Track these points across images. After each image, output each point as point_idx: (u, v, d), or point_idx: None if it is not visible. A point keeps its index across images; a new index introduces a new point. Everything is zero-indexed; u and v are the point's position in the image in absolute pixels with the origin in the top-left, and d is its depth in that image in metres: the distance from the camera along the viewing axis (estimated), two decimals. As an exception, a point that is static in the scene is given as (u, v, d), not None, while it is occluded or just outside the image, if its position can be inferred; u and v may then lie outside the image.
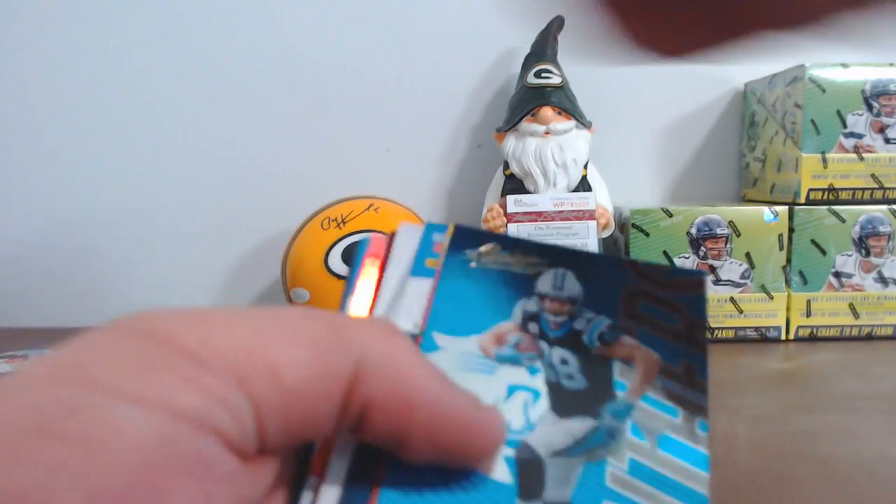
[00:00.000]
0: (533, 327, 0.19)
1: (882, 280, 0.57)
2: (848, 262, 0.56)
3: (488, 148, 0.71)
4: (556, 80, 0.61)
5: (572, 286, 0.20)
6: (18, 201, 0.71)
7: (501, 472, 0.16)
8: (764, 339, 0.57)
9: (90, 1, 0.68)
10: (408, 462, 0.16)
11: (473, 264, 0.20)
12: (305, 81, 0.70)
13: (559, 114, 0.59)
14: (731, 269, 0.56)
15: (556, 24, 0.63)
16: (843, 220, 0.56)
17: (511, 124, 0.61)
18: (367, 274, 0.20)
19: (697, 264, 0.56)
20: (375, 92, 0.70)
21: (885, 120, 0.57)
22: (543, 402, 0.18)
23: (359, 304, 0.20)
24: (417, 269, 0.20)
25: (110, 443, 0.12)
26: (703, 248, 0.56)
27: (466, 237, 0.21)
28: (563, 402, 0.18)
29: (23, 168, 0.71)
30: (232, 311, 0.15)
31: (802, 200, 0.57)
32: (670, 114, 0.72)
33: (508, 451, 0.17)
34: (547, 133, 0.59)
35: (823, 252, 0.56)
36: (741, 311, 0.57)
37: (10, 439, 0.11)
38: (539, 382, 0.18)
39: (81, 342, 0.13)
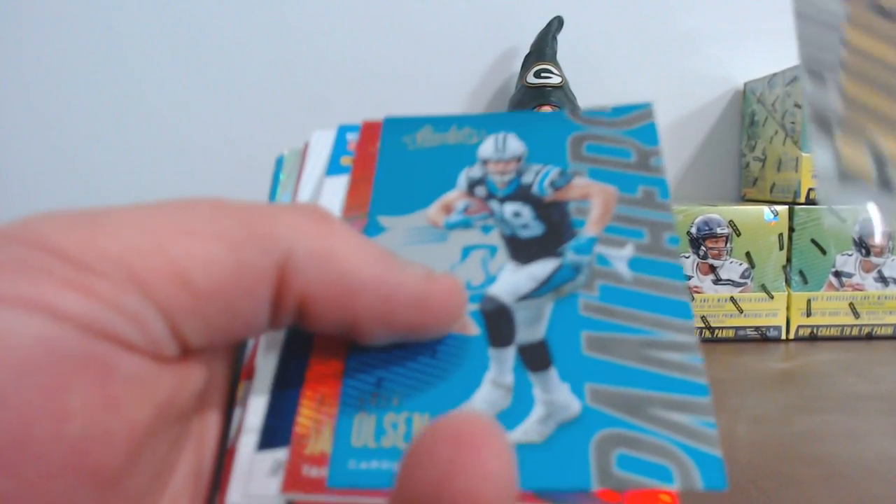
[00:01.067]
0: (480, 191, 0.19)
1: (882, 280, 0.57)
2: (848, 261, 0.56)
3: (488, 148, 0.71)
4: (555, 79, 0.61)
5: (515, 146, 0.20)
6: (18, 201, 0.71)
7: (468, 327, 0.16)
8: (764, 338, 0.57)
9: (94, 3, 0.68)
10: (365, 345, 0.15)
11: (411, 147, 0.20)
12: (306, 81, 0.70)
13: (559, 113, 0.59)
14: (731, 268, 0.56)
15: (556, 24, 0.63)
16: (843, 220, 0.56)
17: (511, 124, 0.61)
18: (285, 185, 0.20)
19: (698, 264, 0.56)
20: (376, 91, 0.70)
21: (884, 119, 0.57)
22: (501, 255, 0.18)
23: None
24: (333, 168, 0.20)
25: None
26: (703, 247, 0.56)
27: (399, 126, 0.21)
28: (522, 250, 0.18)
29: (23, 167, 0.71)
30: (126, 209, 0.13)
31: (802, 200, 0.57)
32: (670, 113, 0.72)
33: (472, 306, 0.16)
34: (547, 133, 0.59)
35: (824, 252, 0.56)
36: (741, 311, 0.57)
37: None
38: (495, 238, 0.18)
39: None
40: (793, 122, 0.59)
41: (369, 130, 0.21)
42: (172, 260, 0.12)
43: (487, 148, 0.20)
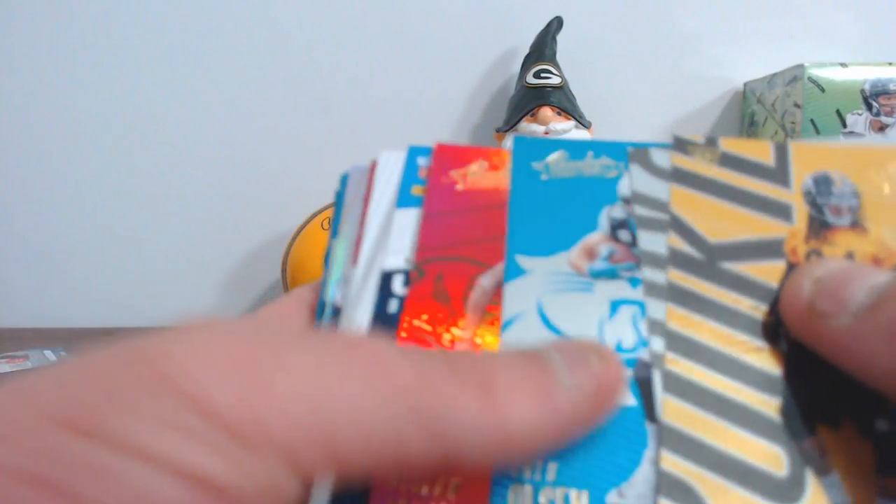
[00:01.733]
0: (624, 235, 0.17)
1: None
2: None
3: (488, 148, 0.71)
4: (555, 80, 0.61)
5: None
6: (19, 201, 0.71)
7: (624, 397, 0.15)
8: None
9: (90, 1, 0.68)
10: None
11: (544, 176, 0.18)
12: (305, 81, 0.70)
13: (559, 114, 0.59)
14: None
15: (556, 25, 0.63)
16: None
17: (511, 124, 0.61)
18: (351, 213, 0.19)
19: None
20: (375, 92, 0.70)
21: (884, 119, 0.57)
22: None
23: (344, 244, 0.18)
24: (403, 199, 0.18)
25: None
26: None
27: (529, 148, 0.18)
28: None
29: (23, 168, 0.71)
30: (286, 360, 0.12)
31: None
32: (670, 114, 0.72)
33: (627, 373, 0.15)
34: (546, 133, 0.59)
35: None
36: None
37: (7, 490, 0.10)
38: (642, 294, 0.16)
39: (94, 377, 0.11)
40: (793, 123, 0.59)
41: (443, 156, 0.19)
42: (332, 443, 0.12)
43: (628, 185, 0.18)
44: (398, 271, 0.17)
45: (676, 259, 0.16)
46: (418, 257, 0.17)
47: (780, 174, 0.17)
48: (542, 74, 0.61)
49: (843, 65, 0.57)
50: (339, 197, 0.19)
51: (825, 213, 0.17)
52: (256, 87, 0.70)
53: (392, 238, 0.17)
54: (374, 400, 0.12)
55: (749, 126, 0.69)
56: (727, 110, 0.72)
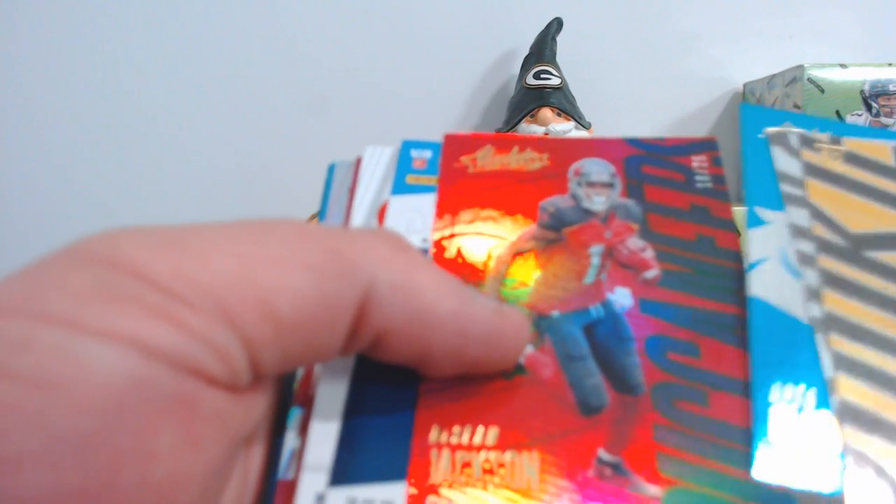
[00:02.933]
0: None
1: None
2: None
3: (488, 149, 0.71)
4: (555, 81, 0.61)
5: None
6: (19, 202, 0.71)
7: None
8: None
9: (88, 1, 0.68)
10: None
11: (781, 148, 0.20)
12: (305, 82, 0.70)
13: (558, 115, 0.59)
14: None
15: (556, 26, 0.63)
16: None
17: (510, 125, 0.61)
18: (336, 203, 0.20)
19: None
20: (375, 92, 0.70)
21: (884, 120, 0.57)
22: None
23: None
24: (399, 187, 0.19)
25: (74, 382, 0.10)
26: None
27: (757, 116, 0.20)
28: None
29: (23, 168, 0.71)
30: (212, 230, 0.13)
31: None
32: (670, 114, 0.72)
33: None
34: (546, 134, 0.59)
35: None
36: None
37: None
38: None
39: (30, 270, 0.11)
40: (792, 123, 0.59)
41: (452, 144, 0.20)
42: (261, 291, 0.12)
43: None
44: None
45: (824, 247, 0.17)
46: (437, 235, 0.18)
47: None
48: (542, 75, 0.61)
49: (843, 66, 0.57)
50: (327, 186, 0.20)
51: None
52: (255, 87, 0.70)
53: (388, 222, 0.18)
54: (292, 247, 0.13)
55: (749, 127, 0.69)
56: (727, 111, 0.72)
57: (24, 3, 0.68)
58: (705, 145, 0.20)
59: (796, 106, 0.58)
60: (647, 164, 0.20)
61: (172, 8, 0.69)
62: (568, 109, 0.60)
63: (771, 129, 0.20)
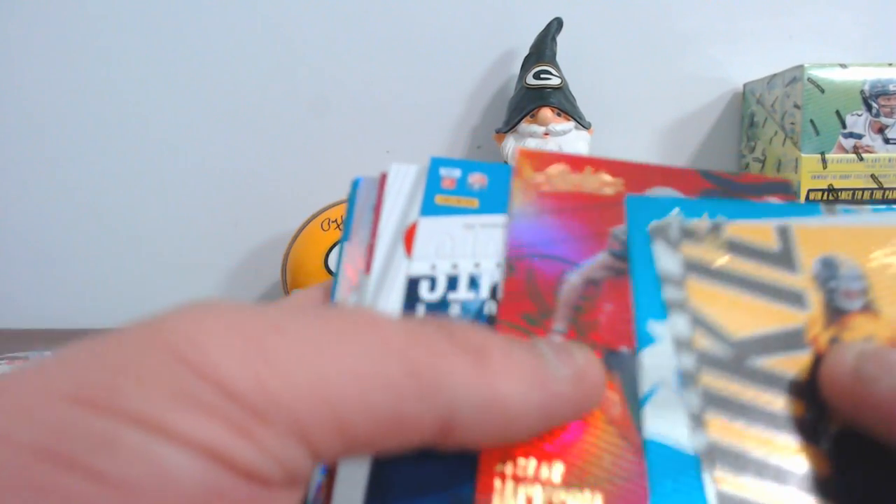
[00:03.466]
0: None
1: None
2: None
3: (488, 149, 0.71)
4: (555, 80, 0.61)
5: None
6: (18, 202, 0.71)
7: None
8: None
9: (88, 2, 0.68)
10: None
11: (663, 243, 0.19)
12: (305, 82, 0.70)
13: (558, 115, 0.59)
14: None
15: (556, 26, 0.63)
16: None
17: (510, 125, 0.61)
18: (361, 221, 0.19)
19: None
20: (375, 93, 0.70)
21: (884, 120, 0.57)
22: None
23: (356, 251, 0.19)
24: (428, 208, 0.19)
25: (155, 487, 0.10)
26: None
27: (644, 209, 0.19)
28: None
29: (23, 169, 0.71)
30: (295, 334, 0.12)
31: (802, 201, 0.57)
32: (670, 114, 0.72)
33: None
34: (546, 134, 0.59)
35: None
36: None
37: (20, 464, 0.10)
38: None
39: (108, 353, 0.11)
40: (792, 123, 0.59)
41: (526, 160, 0.20)
42: (337, 410, 0.12)
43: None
44: (424, 277, 0.18)
45: (705, 360, 0.16)
46: (511, 255, 0.18)
47: (785, 259, 0.18)
48: (542, 75, 0.61)
49: (843, 65, 0.57)
50: (351, 202, 0.20)
51: (837, 297, 0.17)
52: (255, 89, 0.70)
53: (418, 245, 0.18)
54: (372, 364, 0.12)
55: (749, 127, 0.69)
56: (727, 111, 0.72)
57: (24, 3, 0.68)
58: (780, 187, 0.20)
59: (796, 106, 0.58)
60: None
61: (172, 9, 0.69)
62: (568, 109, 0.60)
63: (653, 224, 0.18)
